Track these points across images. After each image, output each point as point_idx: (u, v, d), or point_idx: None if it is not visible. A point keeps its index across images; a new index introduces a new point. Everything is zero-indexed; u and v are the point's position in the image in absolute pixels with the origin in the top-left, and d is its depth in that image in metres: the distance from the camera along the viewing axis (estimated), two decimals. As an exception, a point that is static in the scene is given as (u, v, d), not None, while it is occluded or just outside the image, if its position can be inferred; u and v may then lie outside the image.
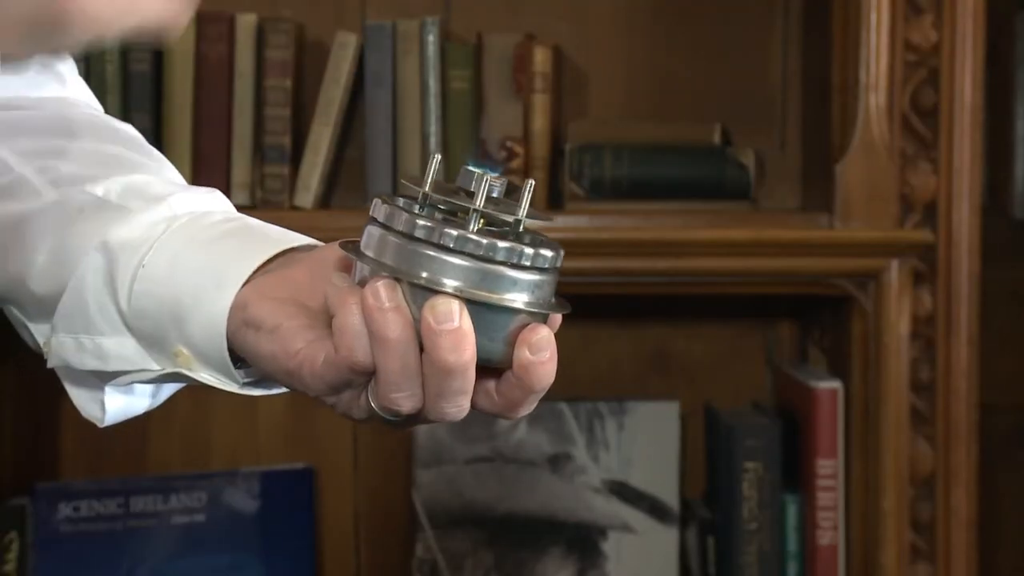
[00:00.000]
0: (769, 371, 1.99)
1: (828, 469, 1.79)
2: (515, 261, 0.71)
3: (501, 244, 0.70)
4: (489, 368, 0.72)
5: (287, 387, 0.78)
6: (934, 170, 1.74)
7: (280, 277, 0.77)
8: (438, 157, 0.73)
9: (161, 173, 0.88)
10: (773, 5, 1.95)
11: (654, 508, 1.90)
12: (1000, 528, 2.01)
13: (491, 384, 0.74)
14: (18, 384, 1.95)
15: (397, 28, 1.83)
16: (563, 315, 0.74)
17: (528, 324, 0.72)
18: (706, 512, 1.89)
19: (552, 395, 1.99)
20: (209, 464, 1.95)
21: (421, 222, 0.70)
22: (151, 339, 0.80)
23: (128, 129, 0.93)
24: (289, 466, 1.94)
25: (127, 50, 1.80)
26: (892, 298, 1.73)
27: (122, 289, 0.80)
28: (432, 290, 0.70)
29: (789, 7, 1.95)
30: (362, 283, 0.72)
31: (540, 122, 1.84)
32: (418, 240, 0.70)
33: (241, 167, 1.81)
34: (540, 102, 1.84)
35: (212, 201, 0.86)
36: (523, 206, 0.71)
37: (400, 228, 0.71)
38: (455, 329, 0.69)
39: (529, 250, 0.71)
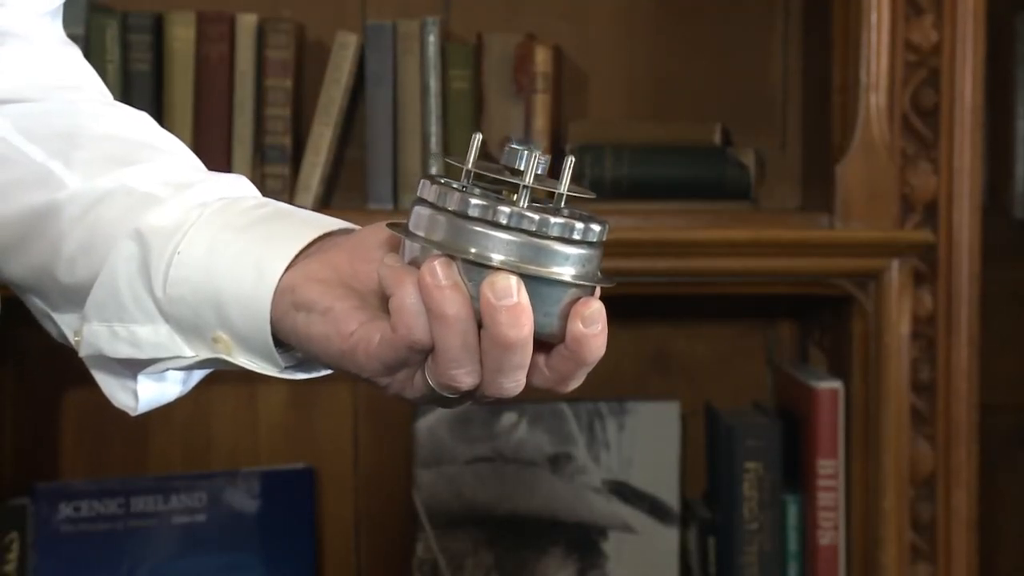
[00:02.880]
0: (769, 371, 1.99)
1: (828, 469, 1.79)
2: (567, 236, 0.72)
3: (554, 219, 0.72)
4: (540, 342, 0.73)
5: (336, 369, 0.78)
6: (934, 170, 1.74)
7: (322, 261, 0.78)
8: (480, 136, 0.74)
9: (183, 159, 0.88)
10: (773, 5, 1.95)
11: (654, 508, 1.90)
12: (1000, 528, 2.01)
13: (541, 358, 0.74)
14: (18, 384, 1.95)
15: (397, 28, 1.83)
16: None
17: (579, 297, 0.73)
18: (707, 512, 1.89)
19: (552, 395, 1.99)
20: (209, 464, 1.95)
21: (474, 200, 0.71)
22: (188, 326, 0.81)
23: (143, 116, 0.92)
24: (289, 466, 1.94)
25: (128, 50, 1.80)
26: (892, 298, 1.73)
27: (157, 277, 0.80)
28: (488, 266, 0.71)
29: (789, 7, 1.94)
30: (413, 263, 0.73)
31: (541, 122, 1.84)
32: (472, 218, 0.71)
33: (241, 167, 1.81)
34: (540, 102, 1.84)
35: (240, 186, 0.86)
36: (564, 181, 0.73)
37: (452, 207, 0.72)
38: (514, 304, 0.71)
39: (580, 224, 0.72)
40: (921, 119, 1.75)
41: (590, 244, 0.73)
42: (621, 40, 1.95)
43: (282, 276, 0.77)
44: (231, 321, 0.79)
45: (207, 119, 1.81)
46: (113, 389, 0.87)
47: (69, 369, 2.00)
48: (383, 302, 0.74)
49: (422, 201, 0.74)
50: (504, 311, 0.70)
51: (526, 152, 0.72)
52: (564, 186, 0.73)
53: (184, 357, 0.82)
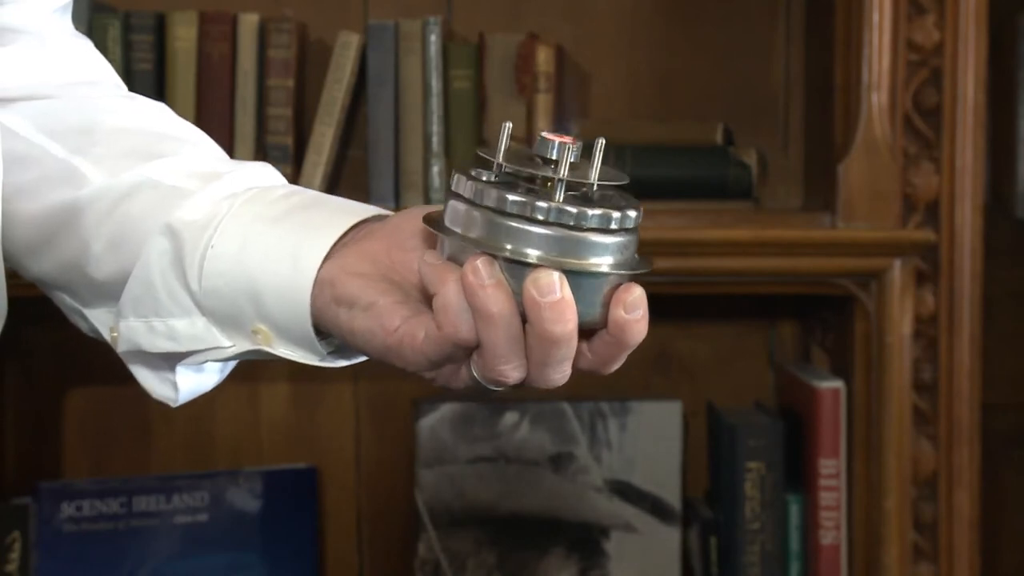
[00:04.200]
0: (771, 371, 1.99)
1: (830, 469, 1.79)
2: (605, 226, 0.72)
3: (591, 212, 0.72)
4: (583, 331, 0.74)
5: (380, 360, 0.78)
6: (936, 170, 1.74)
7: (359, 251, 0.78)
8: (509, 125, 0.74)
9: (207, 150, 0.88)
10: (775, 5, 1.95)
11: (656, 508, 1.90)
12: (1002, 528, 2.01)
13: (584, 344, 0.75)
14: (22, 383, 1.95)
15: (399, 27, 1.83)
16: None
17: (619, 284, 0.74)
18: (708, 512, 1.89)
19: (554, 395, 2.00)
20: (212, 464, 1.95)
21: (512, 197, 0.72)
22: (225, 318, 0.81)
23: (161, 107, 0.92)
24: (292, 466, 1.94)
25: (130, 49, 1.80)
26: (894, 298, 1.73)
27: (191, 271, 0.81)
28: (528, 263, 0.71)
29: (791, 6, 1.94)
30: (452, 259, 0.73)
31: (543, 122, 1.84)
32: (510, 215, 0.72)
33: (243, 167, 1.81)
34: (543, 102, 1.84)
35: (268, 175, 0.86)
36: (595, 167, 0.73)
37: (490, 204, 0.72)
38: (558, 300, 0.71)
39: (616, 213, 0.73)
40: (923, 119, 1.75)
41: (627, 231, 0.73)
42: (623, 40, 1.95)
43: (320, 268, 0.77)
44: (269, 313, 0.79)
45: (209, 119, 1.81)
46: (152, 382, 0.88)
47: (72, 369, 2.00)
48: (425, 296, 0.75)
49: (457, 196, 0.73)
50: (548, 307, 0.71)
51: (558, 143, 0.72)
52: (595, 173, 0.73)
53: (223, 348, 0.82)
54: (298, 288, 0.78)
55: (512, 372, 0.74)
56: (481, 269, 0.71)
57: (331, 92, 1.84)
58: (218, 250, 0.80)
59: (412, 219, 0.78)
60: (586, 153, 0.73)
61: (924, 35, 1.73)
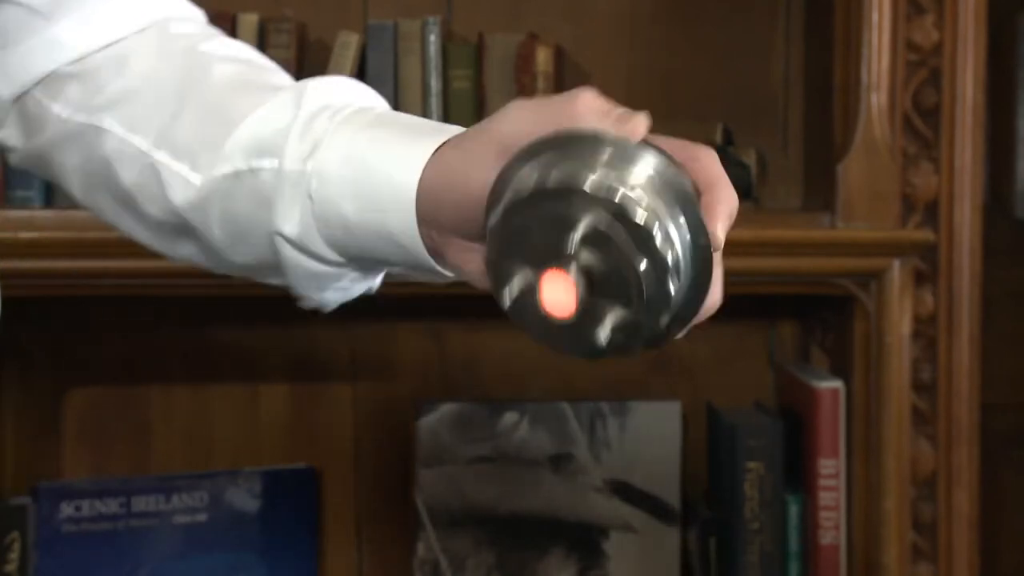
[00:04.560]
0: (771, 371, 1.99)
1: (830, 469, 1.79)
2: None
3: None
4: None
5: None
6: (936, 170, 1.74)
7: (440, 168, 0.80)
8: None
9: (278, 95, 0.87)
10: (775, 4, 1.95)
11: (656, 508, 1.90)
12: (1002, 528, 2.01)
13: None
14: (20, 383, 1.95)
15: (399, 27, 1.83)
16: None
17: None
18: (708, 512, 1.89)
19: (554, 395, 1.99)
20: (211, 464, 1.95)
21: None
22: (362, 263, 0.85)
23: (235, 46, 0.94)
24: (291, 466, 1.94)
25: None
26: (894, 298, 1.73)
27: (321, 248, 0.83)
28: None
29: (791, 6, 1.95)
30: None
31: (542, 122, 1.84)
32: None
33: (243, 167, 1.81)
34: (542, 102, 1.84)
35: (350, 92, 0.87)
36: None
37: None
38: None
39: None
40: (922, 119, 1.75)
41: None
42: (622, 40, 1.95)
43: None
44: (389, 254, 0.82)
45: (208, 119, 1.81)
46: (310, 291, 0.89)
47: (72, 369, 2.00)
48: None
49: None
50: None
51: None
52: None
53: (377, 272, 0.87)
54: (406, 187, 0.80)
55: None
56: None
57: (330, 92, 1.84)
58: (326, 231, 0.82)
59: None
60: None
61: (923, 35, 1.73)
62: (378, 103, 0.88)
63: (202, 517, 1.88)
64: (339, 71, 1.83)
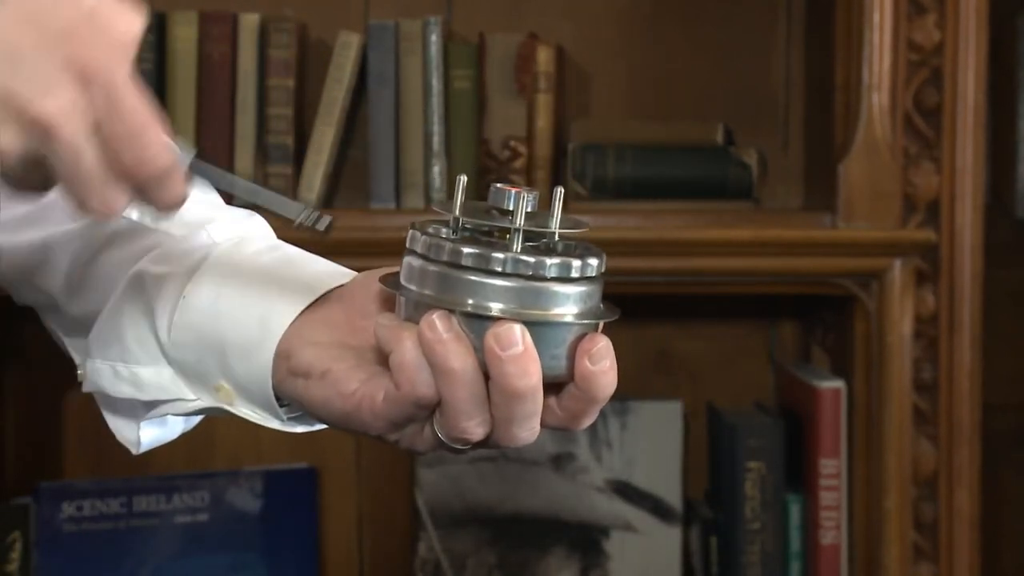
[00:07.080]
0: (772, 371, 1.99)
1: (831, 469, 1.79)
2: (566, 275, 0.70)
3: (550, 261, 0.70)
4: (549, 384, 0.71)
5: (342, 429, 0.77)
6: (937, 169, 1.74)
7: (319, 319, 0.77)
8: (464, 179, 0.72)
9: (197, 196, 0.87)
10: (776, 4, 1.95)
11: (657, 508, 1.90)
12: (1003, 528, 2.01)
13: (552, 399, 0.73)
14: (22, 384, 1.95)
15: (400, 27, 1.83)
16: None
17: (584, 334, 0.71)
18: (709, 512, 1.89)
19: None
20: (212, 464, 1.95)
21: (467, 249, 0.69)
22: (191, 371, 0.80)
23: None
24: (292, 466, 1.94)
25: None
26: (895, 298, 1.73)
27: (162, 319, 0.80)
28: (488, 316, 0.69)
29: (792, 6, 1.95)
30: (410, 319, 0.71)
31: (543, 122, 1.84)
32: (466, 268, 0.69)
33: (244, 167, 1.81)
34: (543, 102, 1.84)
35: (251, 226, 0.85)
36: (555, 216, 0.71)
37: (445, 258, 0.70)
38: (521, 353, 0.69)
39: (576, 262, 0.70)
40: (923, 118, 1.75)
41: (589, 279, 0.71)
42: (623, 39, 1.95)
43: (281, 339, 0.77)
44: (234, 372, 0.78)
45: (210, 119, 1.81)
46: (117, 425, 0.87)
47: (72, 369, 2.00)
48: (382, 359, 0.73)
49: (412, 253, 0.71)
50: (511, 361, 0.69)
51: (514, 193, 0.70)
52: (556, 222, 0.71)
53: (186, 400, 0.81)
54: (262, 353, 0.77)
55: (476, 428, 0.71)
56: (437, 323, 0.69)
57: (331, 92, 1.84)
58: (190, 301, 0.79)
59: (371, 283, 0.77)
60: (544, 204, 0.71)
61: (924, 35, 1.73)
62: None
63: (203, 517, 1.88)
64: (340, 71, 1.83)
